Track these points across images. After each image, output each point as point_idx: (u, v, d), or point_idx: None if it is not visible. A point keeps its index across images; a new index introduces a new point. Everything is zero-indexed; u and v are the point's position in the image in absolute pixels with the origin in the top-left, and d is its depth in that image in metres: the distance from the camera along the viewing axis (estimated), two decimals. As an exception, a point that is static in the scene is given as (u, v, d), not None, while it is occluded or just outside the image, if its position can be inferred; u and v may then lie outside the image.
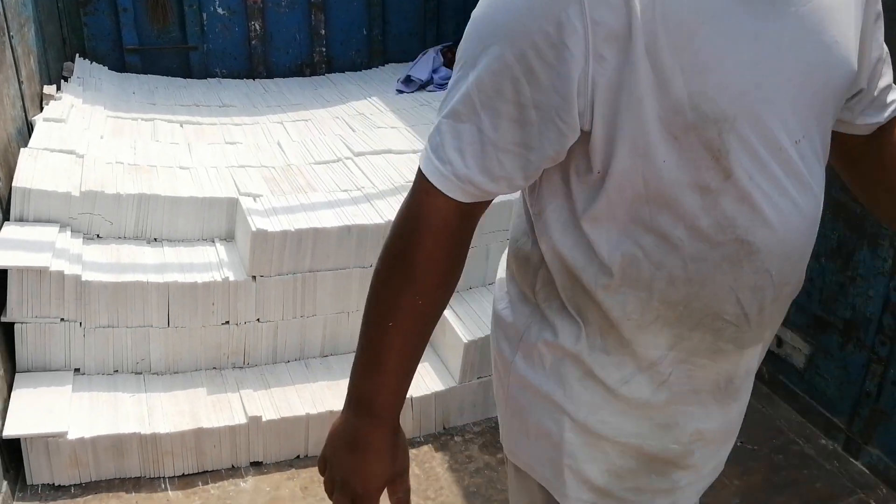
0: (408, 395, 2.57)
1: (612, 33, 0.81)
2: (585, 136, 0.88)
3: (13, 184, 2.55)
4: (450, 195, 0.92)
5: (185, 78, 4.46)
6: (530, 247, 1.06)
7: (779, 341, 2.77)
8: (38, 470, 2.27)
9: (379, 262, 1.00)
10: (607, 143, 0.86)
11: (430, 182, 0.92)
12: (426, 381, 2.66)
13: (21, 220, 2.55)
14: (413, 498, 2.35)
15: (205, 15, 4.50)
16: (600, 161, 0.88)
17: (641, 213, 0.90)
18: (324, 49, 4.77)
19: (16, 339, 2.39)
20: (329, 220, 2.67)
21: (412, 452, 2.52)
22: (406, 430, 2.57)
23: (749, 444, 2.57)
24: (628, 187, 0.89)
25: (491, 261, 2.92)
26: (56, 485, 2.29)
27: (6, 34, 2.86)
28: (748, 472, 2.47)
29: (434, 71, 4.49)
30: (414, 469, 2.47)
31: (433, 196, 0.93)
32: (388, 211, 2.76)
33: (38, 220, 2.56)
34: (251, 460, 2.45)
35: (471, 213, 0.97)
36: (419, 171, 0.94)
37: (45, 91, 3.39)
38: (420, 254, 0.95)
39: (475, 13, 0.90)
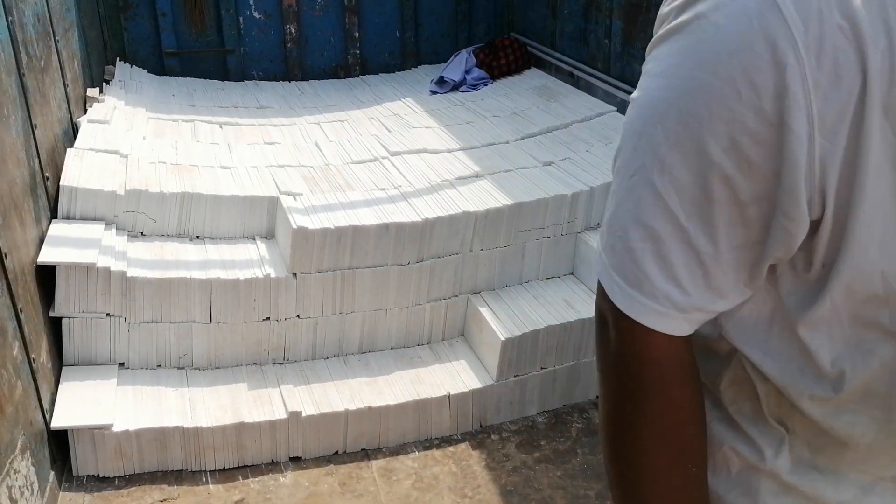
0: (445, 393, 2.59)
1: (841, 96, 0.62)
2: (812, 225, 0.68)
3: (61, 183, 2.61)
4: (674, 333, 0.74)
5: (222, 80, 4.53)
6: (716, 337, 0.81)
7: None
8: (83, 461, 2.31)
9: (618, 448, 0.79)
10: (836, 234, 0.67)
11: (643, 326, 0.73)
12: (463, 378, 2.66)
13: (68, 217, 2.60)
14: (450, 495, 2.36)
15: (241, 19, 4.57)
16: (825, 254, 0.69)
17: (878, 316, 0.70)
18: (358, 51, 4.81)
19: (63, 334, 2.44)
20: (367, 217, 2.69)
21: (449, 450, 2.54)
22: (443, 428, 2.60)
23: None
24: (861, 285, 0.69)
25: (527, 259, 2.92)
26: (101, 476, 2.34)
27: (52, 38, 2.93)
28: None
29: (466, 72, 4.51)
30: (451, 466, 2.48)
31: (653, 340, 0.74)
32: (424, 209, 2.77)
33: (85, 218, 2.62)
34: (290, 455, 2.47)
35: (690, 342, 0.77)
36: (617, 317, 0.75)
37: (88, 93, 3.47)
38: (673, 413, 0.76)
39: (639, 103, 0.71)
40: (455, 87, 4.43)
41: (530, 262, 2.94)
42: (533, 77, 4.46)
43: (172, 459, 2.38)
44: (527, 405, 2.71)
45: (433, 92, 4.40)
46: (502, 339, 2.59)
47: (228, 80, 4.56)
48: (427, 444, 2.58)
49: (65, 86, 3.06)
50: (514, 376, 2.66)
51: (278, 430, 2.42)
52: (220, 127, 3.61)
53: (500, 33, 5.07)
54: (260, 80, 4.64)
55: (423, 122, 3.80)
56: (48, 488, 2.16)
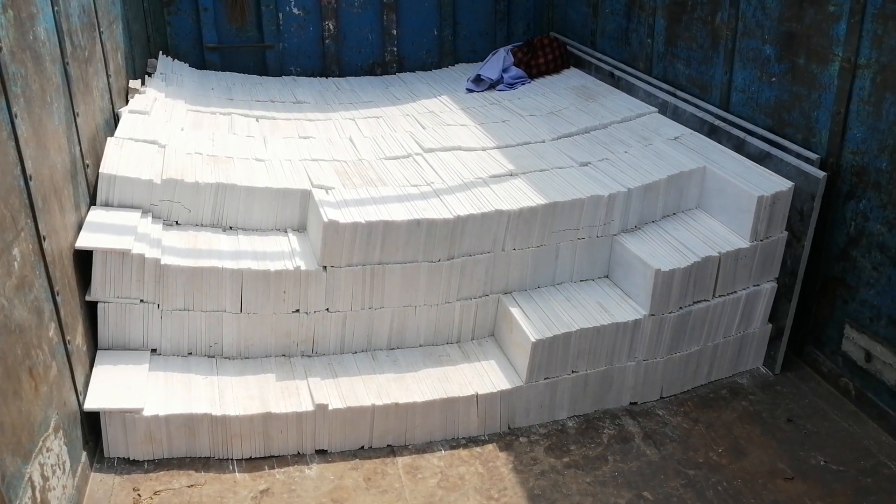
0: (473, 392, 2.57)
1: None
2: None
3: (100, 170, 2.65)
4: None
5: (260, 75, 4.57)
6: None
7: (868, 356, 2.64)
8: (114, 444, 2.34)
9: None
10: None
11: None
12: (492, 378, 2.63)
13: (106, 204, 2.64)
14: (476, 496, 2.33)
15: (281, 15, 4.61)
16: None
17: None
18: (395, 49, 4.82)
19: (98, 318, 2.47)
20: (399, 213, 2.68)
21: (476, 450, 2.51)
22: (470, 428, 2.58)
23: (834, 464, 2.44)
24: None
25: (561, 260, 2.88)
26: (131, 459, 2.36)
27: (97, 30, 2.98)
28: (831, 494, 2.34)
29: (504, 70, 4.47)
30: (478, 467, 2.45)
31: None
32: (457, 206, 2.75)
33: (122, 206, 2.65)
34: (316, 448, 2.47)
35: None
36: None
37: (130, 85, 3.52)
38: None
39: None
40: (492, 85, 4.41)
41: (564, 264, 2.89)
42: (572, 77, 4.41)
43: (200, 446, 2.39)
44: (556, 408, 2.67)
45: (470, 90, 4.38)
46: (533, 340, 2.56)
47: (267, 75, 4.60)
48: (454, 443, 2.56)
49: (108, 76, 3.11)
50: (545, 379, 2.62)
51: (305, 421, 2.42)
52: (257, 120, 3.64)
53: (539, 32, 5.03)
54: (297, 75, 4.68)
55: (459, 120, 3.78)
56: (80, 468, 2.19)
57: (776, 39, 3.03)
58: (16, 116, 1.91)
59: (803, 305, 2.89)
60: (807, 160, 2.81)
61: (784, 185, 2.80)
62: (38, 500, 1.83)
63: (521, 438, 2.59)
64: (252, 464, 2.41)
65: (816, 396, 2.79)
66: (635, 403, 2.77)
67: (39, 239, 2.03)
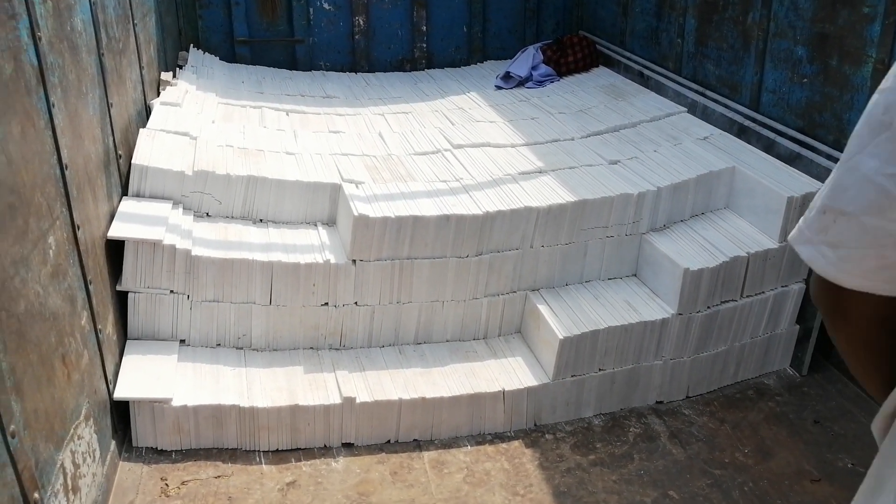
0: (499, 388, 2.56)
1: None
2: None
3: (132, 161, 2.67)
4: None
5: (290, 70, 4.59)
6: None
7: None
8: (143, 433, 2.36)
9: (847, 358, 1.01)
10: None
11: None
12: (519, 374, 2.62)
13: (138, 195, 2.66)
14: (501, 492, 2.32)
15: (311, 10, 4.62)
16: None
17: None
18: (424, 45, 4.81)
19: (129, 308, 2.50)
20: (428, 208, 2.67)
21: (502, 446, 2.50)
22: (496, 424, 2.57)
23: (861, 467, 2.40)
24: None
25: (589, 258, 2.85)
26: (159, 449, 2.38)
27: (131, 22, 3.01)
28: (860, 495, 2.31)
29: (533, 68, 4.45)
30: (503, 463, 2.44)
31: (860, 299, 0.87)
32: (486, 202, 2.74)
33: (154, 196, 2.68)
34: (343, 441, 2.47)
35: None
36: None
37: (162, 77, 3.55)
38: (873, 344, 0.95)
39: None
40: (521, 82, 4.38)
41: (592, 262, 2.87)
42: (601, 75, 4.38)
43: (228, 437, 2.41)
44: (583, 406, 2.65)
45: (498, 87, 4.37)
46: (560, 337, 2.54)
47: (296, 70, 4.62)
48: (479, 438, 2.55)
49: (140, 68, 3.14)
50: (571, 376, 2.60)
51: (332, 414, 2.42)
52: (287, 114, 3.66)
53: (568, 30, 4.99)
54: (327, 70, 4.69)
55: (488, 117, 3.76)
56: (109, 456, 2.21)
57: (808, 40, 2.98)
58: (53, 106, 1.93)
59: (834, 307, 2.84)
60: (837, 161, 2.76)
61: (814, 185, 2.76)
62: (70, 486, 1.85)
63: (547, 435, 2.58)
64: (279, 456, 2.42)
65: (844, 398, 2.75)
66: (661, 402, 2.75)
67: (74, 228, 2.06)
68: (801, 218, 0.93)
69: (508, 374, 2.63)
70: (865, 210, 0.82)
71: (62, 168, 1.98)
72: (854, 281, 0.86)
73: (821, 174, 2.80)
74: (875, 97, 0.84)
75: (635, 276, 2.94)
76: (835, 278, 0.88)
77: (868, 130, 0.84)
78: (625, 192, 2.84)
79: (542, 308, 2.70)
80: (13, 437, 1.50)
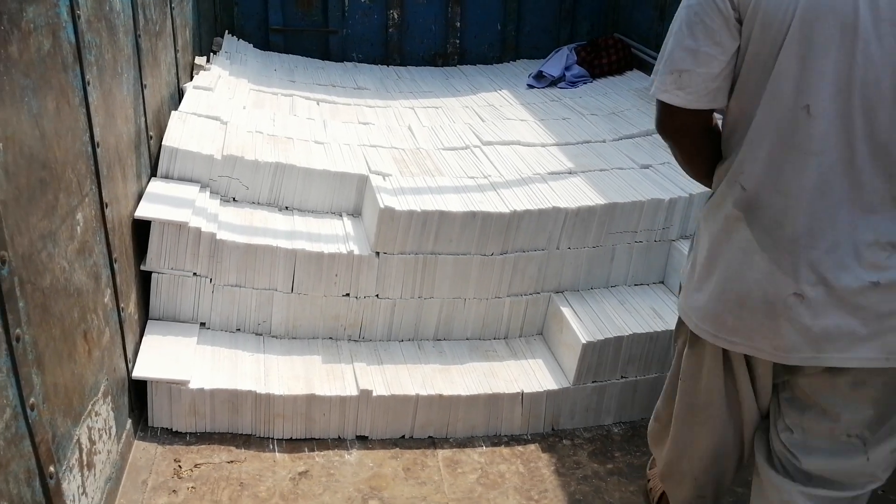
0: (518, 390, 2.53)
1: None
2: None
3: (163, 143, 2.68)
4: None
5: (322, 60, 4.60)
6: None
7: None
8: (159, 414, 2.36)
9: (678, 158, 1.72)
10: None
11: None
12: (538, 377, 2.59)
13: (167, 177, 2.67)
14: (515, 496, 2.29)
15: (347, 1, 4.62)
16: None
17: None
18: (457, 41, 4.79)
19: (151, 288, 2.50)
20: (454, 204, 2.65)
21: (518, 449, 2.47)
22: (513, 426, 2.53)
23: (892, 494, 2.33)
24: None
25: (616, 262, 2.81)
26: (173, 430, 2.38)
27: (168, 6, 3.02)
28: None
29: (566, 68, 4.41)
30: (519, 466, 2.41)
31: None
32: (513, 200, 2.70)
33: (182, 179, 2.68)
34: (357, 434, 2.46)
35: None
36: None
37: (196, 61, 3.57)
38: (697, 146, 1.66)
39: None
40: (553, 82, 4.34)
41: (619, 266, 2.83)
42: (634, 79, 4.32)
43: (242, 423, 2.40)
44: (603, 413, 2.61)
45: (530, 86, 4.33)
46: (583, 341, 2.50)
47: (329, 60, 4.62)
48: (495, 440, 2.52)
49: (175, 51, 3.15)
50: (592, 382, 2.56)
51: (348, 406, 2.41)
52: (318, 104, 3.65)
53: (603, 32, 4.94)
54: (359, 62, 4.69)
55: (518, 115, 3.73)
56: (125, 435, 2.21)
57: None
58: (88, 84, 1.94)
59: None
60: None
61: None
62: (85, 462, 1.86)
63: (564, 441, 2.54)
64: (292, 445, 2.41)
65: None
66: (683, 415, 2.70)
67: (102, 206, 2.06)
68: (655, 80, 1.57)
69: (528, 375, 2.60)
70: (695, 66, 1.49)
71: (94, 146, 1.99)
72: (696, 104, 1.52)
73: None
74: (683, 11, 1.52)
75: (663, 283, 2.89)
76: (686, 104, 1.52)
77: (686, 26, 1.50)
78: (656, 196, 2.79)
79: (566, 311, 2.66)
80: (32, 409, 1.50)
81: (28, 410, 1.48)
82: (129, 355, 2.30)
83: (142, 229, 2.44)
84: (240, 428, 2.41)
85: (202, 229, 2.47)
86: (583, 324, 2.58)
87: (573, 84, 4.31)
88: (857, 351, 1.49)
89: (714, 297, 1.59)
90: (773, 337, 1.53)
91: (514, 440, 2.53)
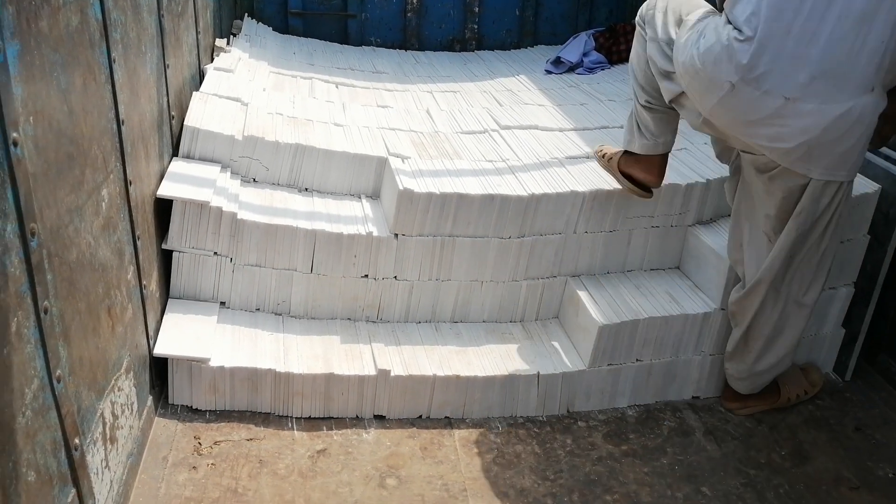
0: (534, 372, 2.54)
1: None
2: None
3: (185, 123, 2.70)
4: None
5: (341, 44, 4.60)
6: None
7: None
8: (179, 391, 2.40)
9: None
10: None
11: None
12: (554, 360, 2.60)
13: (188, 156, 2.69)
14: (531, 476, 2.31)
15: (366, -15, 4.62)
16: None
17: None
18: (476, 26, 4.78)
19: (172, 267, 2.53)
20: (473, 187, 2.65)
21: (533, 430, 2.49)
22: (528, 407, 2.55)
23: (871, 430, 2.34)
24: None
25: (633, 247, 2.81)
26: (194, 407, 2.41)
27: (190, -14, 3.04)
28: (899, 506, 2.25)
29: (585, 54, 4.38)
30: (534, 447, 2.43)
31: None
32: (531, 184, 2.71)
33: (203, 159, 2.70)
34: (375, 413, 2.48)
35: None
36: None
37: (216, 43, 3.59)
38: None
39: None
40: (571, 68, 4.32)
41: (635, 251, 2.83)
42: (654, 65, 4.29)
43: (262, 401, 2.43)
44: (618, 396, 2.62)
45: (548, 72, 4.31)
46: (599, 324, 2.51)
47: (347, 44, 4.62)
48: (511, 421, 2.54)
49: (197, 33, 3.16)
50: (608, 365, 2.57)
51: (366, 385, 2.43)
52: (337, 87, 3.66)
53: (621, 19, 4.90)
54: (377, 46, 4.69)
55: (536, 100, 3.72)
56: (146, 411, 2.25)
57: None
58: (114, 61, 1.96)
59: (880, 312, 2.77)
60: (897, 163, 2.68)
61: (871, 186, 2.67)
62: (108, 436, 1.89)
63: (579, 423, 2.55)
64: (311, 423, 2.44)
65: (888, 407, 2.68)
66: (698, 398, 2.70)
67: (126, 183, 2.08)
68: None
69: (544, 358, 2.61)
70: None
71: (119, 123, 2.01)
72: None
73: (878, 175, 2.71)
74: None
75: (678, 268, 2.89)
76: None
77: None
78: (673, 182, 2.78)
79: (582, 294, 2.66)
80: (59, 381, 1.53)
81: (55, 382, 1.51)
82: (151, 332, 2.33)
83: (163, 208, 2.47)
84: (259, 406, 2.44)
85: (223, 209, 2.49)
86: (599, 307, 2.59)
87: (591, 70, 4.30)
88: None
89: None
90: None
91: (529, 421, 2.54)
